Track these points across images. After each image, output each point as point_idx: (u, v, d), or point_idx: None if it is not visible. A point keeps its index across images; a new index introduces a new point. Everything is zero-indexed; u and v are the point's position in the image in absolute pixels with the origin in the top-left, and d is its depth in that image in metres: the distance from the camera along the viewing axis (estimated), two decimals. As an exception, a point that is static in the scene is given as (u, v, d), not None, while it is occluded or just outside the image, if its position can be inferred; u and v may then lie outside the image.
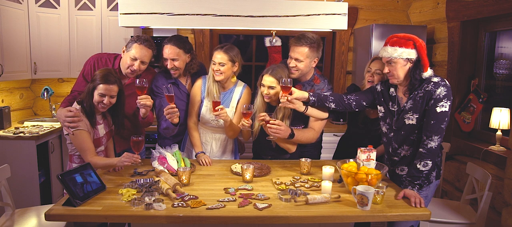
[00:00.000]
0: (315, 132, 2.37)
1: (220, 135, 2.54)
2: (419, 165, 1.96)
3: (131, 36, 2.36)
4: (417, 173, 1.95)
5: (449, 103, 1.96)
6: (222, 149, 2.57)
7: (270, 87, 2.26)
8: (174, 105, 2.21)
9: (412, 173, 1.97)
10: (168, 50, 2.37)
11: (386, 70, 2.06)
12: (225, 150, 2.58)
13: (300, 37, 2.31)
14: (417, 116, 2.03)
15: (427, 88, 1.98)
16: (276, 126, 2.20)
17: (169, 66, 2.40)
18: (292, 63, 2.32)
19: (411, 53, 1.97)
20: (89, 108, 2.13)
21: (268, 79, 2.26)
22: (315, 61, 2.36)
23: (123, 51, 2.34)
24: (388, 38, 2.04)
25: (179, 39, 2.41)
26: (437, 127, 1.95)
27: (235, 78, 2.46)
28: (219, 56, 2.32)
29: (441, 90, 1.94)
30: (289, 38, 2.37)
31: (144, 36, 2.30)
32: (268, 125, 2.21)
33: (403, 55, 1.97)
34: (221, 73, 2.33)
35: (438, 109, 1.94)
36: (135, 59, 2.27)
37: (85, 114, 2.12)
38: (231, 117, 2.41)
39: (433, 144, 1.95)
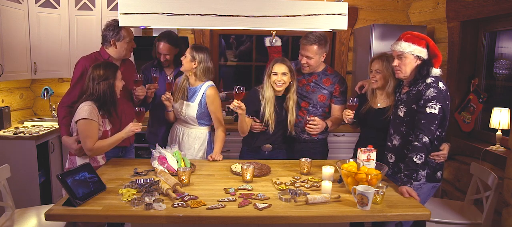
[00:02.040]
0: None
1: (190, 129, 2.63)
2: (415, 158, 2.00)
3: (109, 30, 2.53)
4: (414, 166, 2.01)
5: (439, 106, 2.01)
6: (189, 144, 2.63)
7: (284, 74, 2.47)
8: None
9: (410, 166, 2.01)
10: (163, 48, 2.79)
11: (395, 63, 2.16)
12: (194, 146, 2.63)
13: (308, 35, 2.55)
14: (404, 110, 2.15)
15: (419, 87, 2.08)
16: (315, 124, 2.47)
17: (162, 59, 2.83)
18: (303, 60, 2.59)
19: (422, 52, 2.09)
20: (112, 104, 2.26)
21: (281, 67, 2.48)
22: (323, 56, 2.63)
23: (113, 43, 2.53)
24: (403, 34, 2.16)
25: (170, 36, 2.82)
26: (427, 126, 2.01)
27: (191, 73, 2.58)
28: (187, 50, 2.57)
29: (430, 92, 2.03)
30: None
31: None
32: (308, 124, 2.47)
33: (415, 52, 2.09)
34: (183, 63, 2.57)
35: (428, 110, 2.02)
36: (131, 40, 2.59)
37: (109, 109, 2.24)
38: (195, 112, 2.57)
39: (426, 139, 2.01)
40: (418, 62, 2.10)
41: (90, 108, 2.15)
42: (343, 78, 2.73)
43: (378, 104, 2.46)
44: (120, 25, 2.20)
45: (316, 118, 2.50)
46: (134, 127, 2.23)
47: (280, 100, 2.58)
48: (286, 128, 2.63)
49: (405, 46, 2.09)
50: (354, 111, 2.39)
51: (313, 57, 2.56)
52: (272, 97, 2.53)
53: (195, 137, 2.63)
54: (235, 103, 2.33)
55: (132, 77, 2.55)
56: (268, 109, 2.52)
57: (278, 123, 2.57)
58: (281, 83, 2.48)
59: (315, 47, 2.53)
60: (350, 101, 2.38)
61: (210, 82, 2.62)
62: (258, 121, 2.57)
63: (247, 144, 2.71)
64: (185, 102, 2.60)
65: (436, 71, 2.10)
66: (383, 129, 2.37)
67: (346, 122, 2.47)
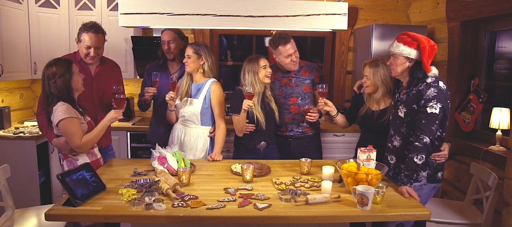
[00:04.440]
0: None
1: (191, 129, 2.63)
2: (416, 158, 2.00)
3: (80, 27, 2.51)
4: (415, 166, 2.01)
5: (440, 106, 2.01)
6: (191, 144, 2.62)
7: (269, 66, 2.60)
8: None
9: (410, 166, 2.01)
10: (167, 35, 2.80)
11: (389, 61, 2.20)
12: (196, 146, 2.63)
13: (280, 36, 2.64)
14: (405, 111, 2.15)
15: (420, 88, 2.08)
16: (315, 112, 2.57)
17: (165, 47, 2.82)
18: (293, 58, 2.67)
19: (411, 53, 2.09)
20: (71, 99, 2.21)
21: (266, 61, 2.59)
22: None
23: (77, 42, 2.51)
24: (400, 34, 2.17)
25: (175, 28, 2.83)
26: (428, 127, 2.01)
27: (201, 70, 2.61)
28: (187, 50, 2.57)
29: (431, 91, 2.03)
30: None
31: (90, 23, 2.49)
32: (309, 113, 2.56)
33: (403, 53, 2.10)
34: (188, 65, 2.57)
35: (429, 110, 2.01)
36: (89, 47, 2.46)
37: (72, 105, 2.19)
38: (199, 108, 2.59)
39: (427, 139, 2.01)
40: (408, 63, 2.12)
41: (64, 107, 2.12)
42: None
43: (375, 107, 2.46)
44: (119, 25, 2.20)
45: (313, 107, 2.62)
46: (116, 114, 2.25)
47: (261, 96, 2.66)
48: (274, 121, 2.70)
49: (395, 46, 2.14)
50: (325, 97, 2.48)
51: (296, 49, 2.67)
52: (261, 91, 2.62)
53: (196, 137, 2.63)
54: (250, 103, 2.43)
55: (111, 84, 2.44)
56: (258, 104, 2.59)
57: (266, 118, 2.63)
58: (270, 75, 2.60)
59: (292, 40, 2.65)
60: (320, 87, 2.46)
61: (214, 79, 2.66)
62: (247, 121, 2.61)
63: (243, 145, 2.72)
64: (189, 99, 2.62)
65: (435, 71, 2.11)
66: (382, 131, 2.37)
67: (332, 117, 2.59)
